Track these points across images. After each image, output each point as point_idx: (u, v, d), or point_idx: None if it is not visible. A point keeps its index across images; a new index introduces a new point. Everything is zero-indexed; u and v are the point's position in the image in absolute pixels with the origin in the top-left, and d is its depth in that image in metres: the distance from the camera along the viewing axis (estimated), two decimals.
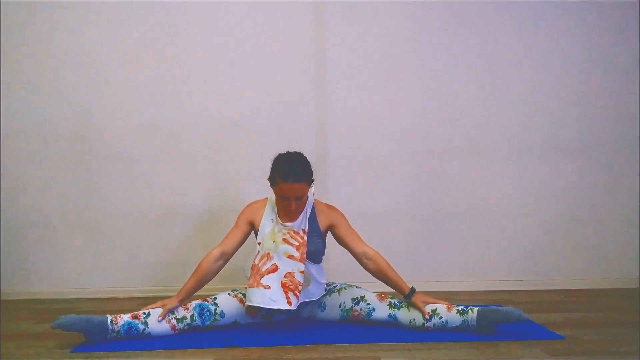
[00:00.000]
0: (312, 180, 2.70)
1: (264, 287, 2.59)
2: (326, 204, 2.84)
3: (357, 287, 2.77)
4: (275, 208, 2.76)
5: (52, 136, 3.48)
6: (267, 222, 2.73)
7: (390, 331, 2.57)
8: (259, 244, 2.71)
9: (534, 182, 3.55)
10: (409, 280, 3.48)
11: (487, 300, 3.14)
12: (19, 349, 2.49)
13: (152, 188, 3.50)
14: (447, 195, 3.54)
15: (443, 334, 2.51)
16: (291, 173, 2.60)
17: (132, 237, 3.50)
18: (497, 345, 2.37)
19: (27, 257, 3.51)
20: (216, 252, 2.69)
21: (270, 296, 2.57)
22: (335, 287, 2.80)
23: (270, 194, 2.80)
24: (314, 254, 2.70)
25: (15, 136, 3.48)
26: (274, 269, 2.63)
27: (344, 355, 2.30)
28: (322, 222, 2.76)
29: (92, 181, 3.49)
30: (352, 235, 2.77)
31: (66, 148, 3.49)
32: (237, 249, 2.75)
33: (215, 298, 2.69)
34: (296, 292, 2.60)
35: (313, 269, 2.69)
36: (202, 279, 2.68)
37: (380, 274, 2.70)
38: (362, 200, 3.51)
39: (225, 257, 2.72)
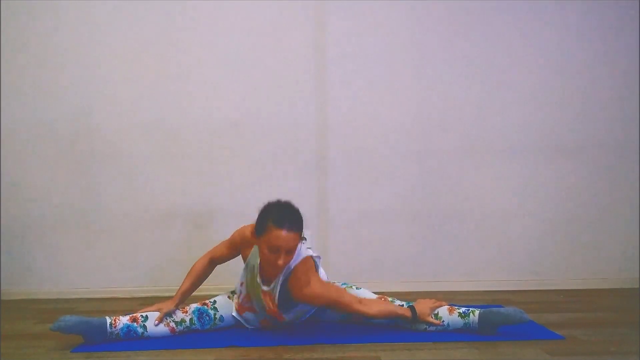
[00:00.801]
0: (303, 238, 2.44)
1: (245, 319, 2.64)
2: (313, 275, 2.45)
3: (356, 287, 2.74)
4: (257, 254, 2.50)
5: (52, 136, 3.48)
6: (250, 265, 2.56)
7: (390, 331, 2.56)
8: (242, 284, 2.61)
9: (534, 182, 3.55)
10: (409, 280, 3.49)
11: (487, 300, 3.14)
12: (19, 349, 2.48)
13: (152, 188, 3.50)
14: (447, 195, 3.54)
15: (443, 334, 2.51)
16: (286, 219, 2.35)
17: (132, 237, 3.50)
18: (497, 345, 2.37)
19: (27, 257, 3.50)
20: (205, 260, 2.70)
21: (253, 327, 2.63)
22: None
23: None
24: (298, 311, 2.58)
25: (15, 136, 3.48)
26: (254, 310, 2.62)
27: (344, 355, 2.30)
28: (296, 294, 2.45)
29: (92, 181, 3.49)
30: (332, 293, 2.48)
31: (66, 148, 3.49)
32: (224, 262, 2.72)
33: (214, 302, 2.68)
34: (276, 326, 2.60)
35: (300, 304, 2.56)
36: (196, 281, 2.69)
37: (378, 318, 2.55)
38: (362, 200, 3.51)
39: (214, 265, 2.72)
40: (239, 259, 2.67)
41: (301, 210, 3.40)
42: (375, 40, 3.52)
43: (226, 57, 3.50)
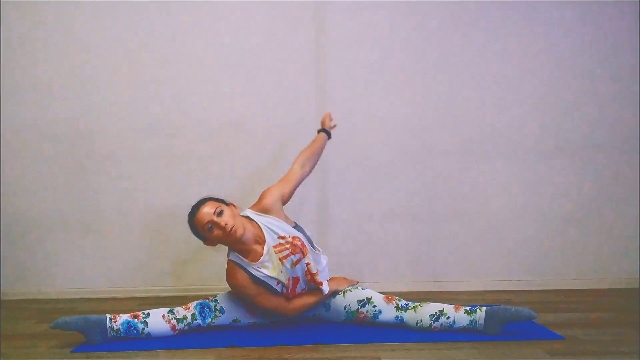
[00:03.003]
0: (225, 201, 2.66)
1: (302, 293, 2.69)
2: (258, 201, 2.73)
3: (362, 288, 2.74)
4: (241, 258, 2.61)
5: (52, 136, 3.48)
6: (256, 272, 2.60)
7: (391, 331, 2.57)
8: (278, 283, 2.62)
9: (534, 182, 3.55)
10: (409, 280, 3.50)
11: (488, 300, 3.14)
12: (19, 349, 2.49)
13: (152, 188, 3.50)
14: (447, 196, 3.54)
15: (443, 334, 2.50)
16: (193, 207, 2.62)
17: (132, 237, 3.50)
18: (497, 345, 2.37)
19: (27, 257, 3.50)
20: (289, 305, 2.67)
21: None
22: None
23: (230, 256, 2.65)
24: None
25: (14, 136, 3.48)
26: (297, 280, 2.65)
27: (344, 355, 2.30)
28: (278, 212, 2.69)
29: (91, 181, 3.49)
30: (287, 181, 2.83)
31: (66, 148, 3.49)
32: (283, 294, 2.68)
33: (216, 296, 2.71)
34: (317, 277, 2.65)
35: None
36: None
37: (314, 158, 3.00)
38: (362, 200, 3.51)
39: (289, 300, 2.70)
40: None
41: (301, 210, 3.44)
42: (375, 40, 3.52)
43: (226, 57, 3.50)
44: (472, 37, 3.52)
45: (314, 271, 2.64)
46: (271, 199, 2.71)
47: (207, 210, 2.56)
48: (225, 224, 2.51)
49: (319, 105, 3.51)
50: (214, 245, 2.66)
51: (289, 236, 2.64)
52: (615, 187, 3.55)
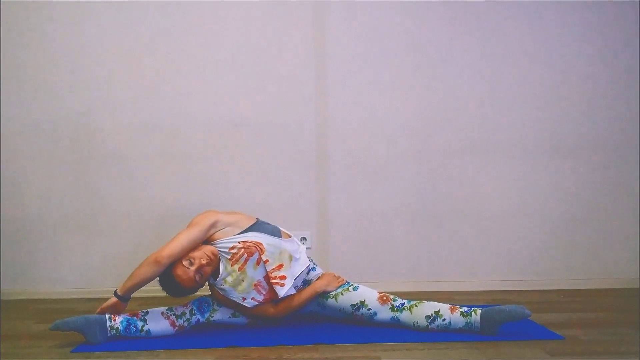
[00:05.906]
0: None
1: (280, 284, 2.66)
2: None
3: (353, 288, 2.71)
4: (211, 279, 2.66)
5: (52, 136, 3.48)
6: (221, 292, 2.65)
7: (391, 331, 2.57)
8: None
9: (534, 182, 3.55)
10: (409, 280, 3.49)
11: (488, 300, 3.15)
12: (18, 349, 2.49)
13: (152, 188, 3.50)
14: (447, 195, 3.54)
15: (443, 334, 2.51)
16: (169, 282, 2.57)
17: (132, 237, 3.50)
18: (498, 345, 2.37)
19: (27, 257, 3.50)
20: (269, 308, 2.72)
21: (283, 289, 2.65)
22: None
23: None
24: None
25: (15, 136, 3.48)
26: (268, 278, 2.64)
27: (344, 355, 2.30)
28: (220, 234, 2.65)
29: (91, 181, 3.49)
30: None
31: (66, 148, 3.49)
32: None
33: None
34: (275, 280, 2.61)
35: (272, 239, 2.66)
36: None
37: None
38: (362, 200, 3.51)
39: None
40: None
41: (301, 210, 3.44)
42: (376, 40, 3.52)
43: (226, 57, 3.50)
44: (472, 37, 3.52)
45: (271, 268, 2.60)
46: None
47: (182, 271, 2.53)
48: (205, 260, 2.53)
49: (319, 105, 3.51)
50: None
51: (239, 242, 2.60)
52: (615, 187, 3.55)
